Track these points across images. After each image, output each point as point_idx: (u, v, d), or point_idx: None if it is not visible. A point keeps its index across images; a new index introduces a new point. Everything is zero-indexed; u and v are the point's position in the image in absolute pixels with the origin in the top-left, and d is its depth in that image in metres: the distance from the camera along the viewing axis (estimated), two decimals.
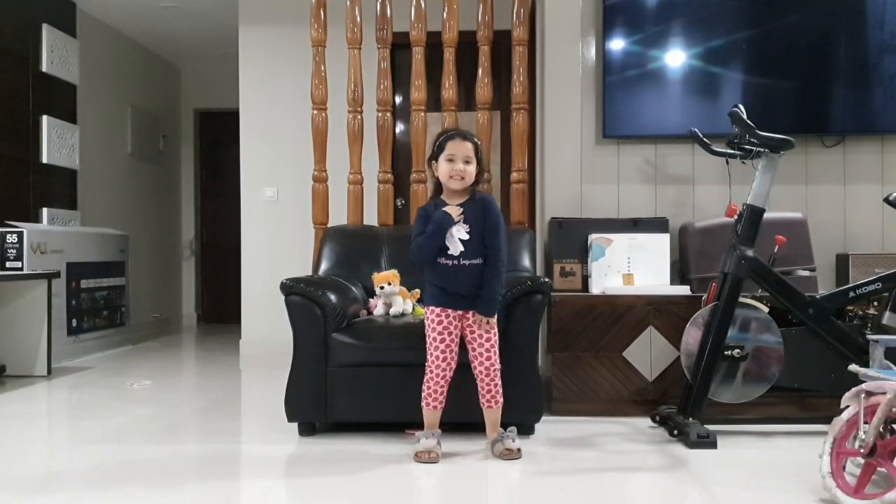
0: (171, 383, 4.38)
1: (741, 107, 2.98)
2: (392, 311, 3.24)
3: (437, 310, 2.69)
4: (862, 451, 2.08)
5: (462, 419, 2.86)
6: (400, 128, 5.57)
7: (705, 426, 2.87)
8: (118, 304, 5.83)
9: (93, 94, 6.24)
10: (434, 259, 2.67)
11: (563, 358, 3.36)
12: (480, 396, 2.72)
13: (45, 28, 5.47)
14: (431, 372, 2.70)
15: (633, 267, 3.50)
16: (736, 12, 3.74)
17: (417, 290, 3.30)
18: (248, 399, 4.04)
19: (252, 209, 5.55)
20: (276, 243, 5.49)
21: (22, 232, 4.65)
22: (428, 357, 2.71)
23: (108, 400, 3.86)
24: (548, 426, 3.12)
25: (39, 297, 4.55)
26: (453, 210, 2.66)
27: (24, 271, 4.61)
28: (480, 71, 3.92)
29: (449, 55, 3.94)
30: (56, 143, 5.56)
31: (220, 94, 7.50)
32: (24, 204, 5.28)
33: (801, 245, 3.45)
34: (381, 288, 3.27)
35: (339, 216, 4.08)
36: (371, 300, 3.36)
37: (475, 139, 2.73)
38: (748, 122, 2.93)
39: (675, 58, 3.74)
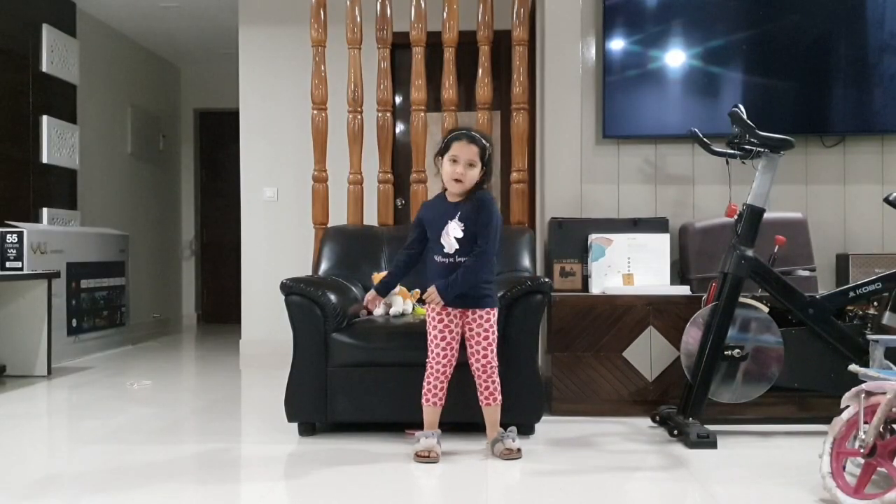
0: (170, 383, 4.38)
1: (741, 107, 2.98)
2: (392, 311, 3.25)
3: (438, 307, 2.70)
4: (862, 451, 2.08)
5: (462, 419, 2.86)
6: (400, 128, 5.57)
7: (705, 426, 2.87)
8: (118, 304, 5.83)
9: (93, 94, 6.24)
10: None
11: (563, 358, 3.36)
12: (479, 394, 2.73)
13: (45, 28, 5.47)
14: (432, 368, 2.71)
15: (633, 267, 3.50)
16: (736, 12, 3.74)
17: (417, 291, 3.30)
18: (248, 399, 4.05)
19: (252, 209, 5.55)
20: (276, 243, 5.49)
21: (22, 232, 4.65)
22: (429, 354, 2.72)
23: (108, 400, 3.86)
24: (548, 426, 3.12)
25: (39, 297, 4.55)
26: (372, 301, 2.82)
27: (24, 271, 4.61)
28: (480, 71, 3.92)
29: (449, 55, 3.94)
30: (56, 143, 5.55)
31: (220, 94, 7.50)
32: (24, 204, 5.28)
33: (801, 245, 3.45)
34: None
35: (339, 216, 4.08)
36: None
37: (483, 141, 2.68)
38: (748, 122, 2.93)
39: (675, 58, 3.74)
